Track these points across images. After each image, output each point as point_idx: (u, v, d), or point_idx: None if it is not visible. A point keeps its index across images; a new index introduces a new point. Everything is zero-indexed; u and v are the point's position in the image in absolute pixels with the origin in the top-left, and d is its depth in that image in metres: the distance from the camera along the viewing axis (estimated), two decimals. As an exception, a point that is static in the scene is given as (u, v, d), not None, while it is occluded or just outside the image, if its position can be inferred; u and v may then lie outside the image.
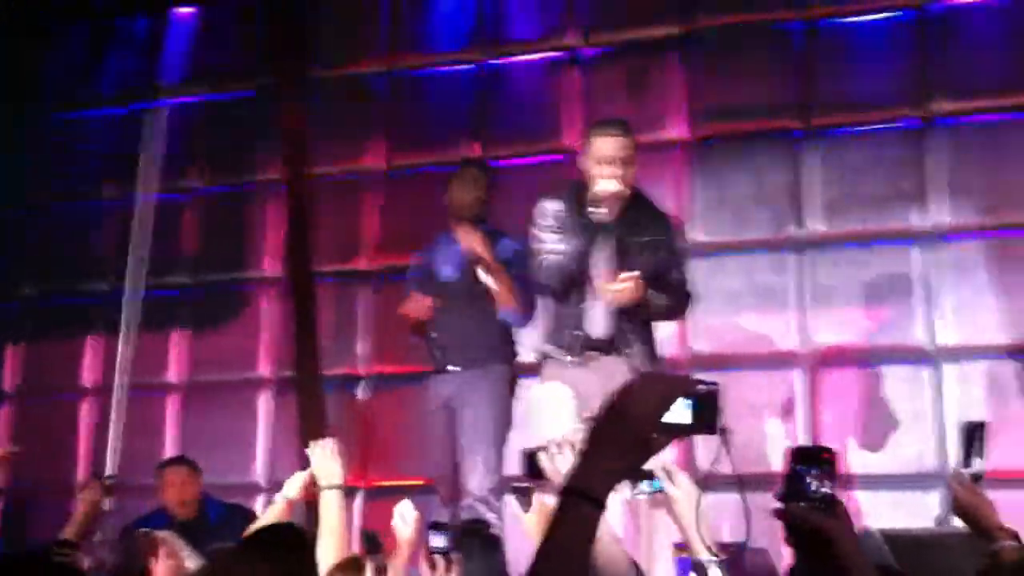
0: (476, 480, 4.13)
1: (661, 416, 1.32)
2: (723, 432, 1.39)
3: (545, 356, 4.00)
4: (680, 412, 1.34)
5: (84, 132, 6.47)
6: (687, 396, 1.35)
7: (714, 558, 2.19)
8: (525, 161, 5.68)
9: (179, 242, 6.15)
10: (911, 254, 5.05)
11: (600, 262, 3.88)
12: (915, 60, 5.20)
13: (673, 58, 5.55)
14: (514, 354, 4.44)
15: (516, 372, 4.43)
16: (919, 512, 4.61)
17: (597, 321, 3.91)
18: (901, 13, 5.27)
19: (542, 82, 5.79)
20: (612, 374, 3.73)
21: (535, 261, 3.93)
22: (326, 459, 3.30)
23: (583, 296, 3.92)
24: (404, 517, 3.50)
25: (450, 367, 4.32)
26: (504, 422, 4.24)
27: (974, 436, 2.41)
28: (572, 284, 3.89)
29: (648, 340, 3.98)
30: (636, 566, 2.36)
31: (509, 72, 5.85)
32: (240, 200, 6.16)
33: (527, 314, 4.31)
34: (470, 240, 4.25)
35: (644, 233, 3.92)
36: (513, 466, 4.08)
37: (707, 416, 1.36)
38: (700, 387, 1.37)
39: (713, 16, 5.49)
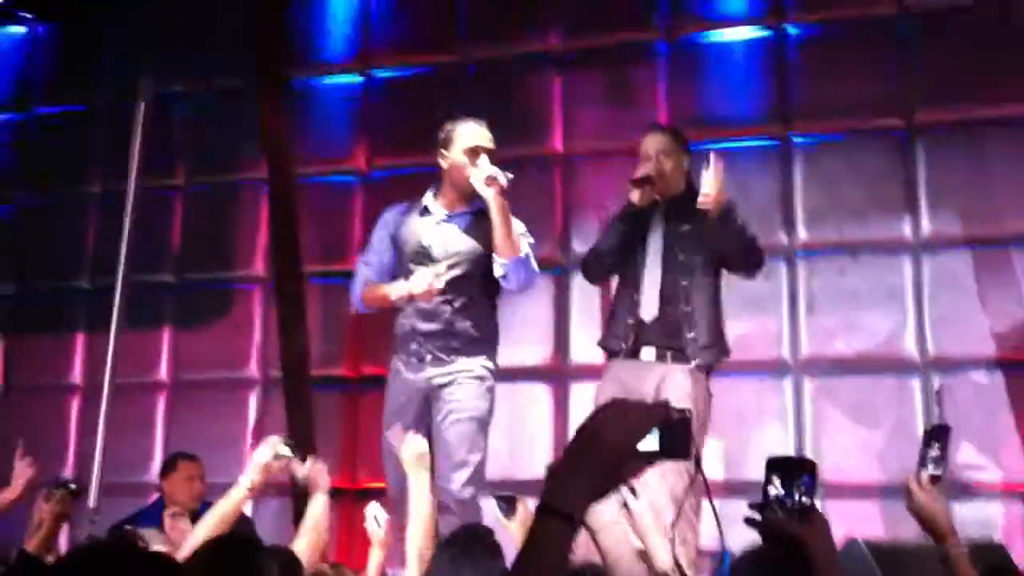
0: (456, 483, 3.88)
1: (634, 445, 1.34)
2: (696, 459, 1.41)
3: (604, 350, 4.14)
4: (652, 439, 1.36)
5: (68, 126, 6.48)
6: (659, 425, 1.37)
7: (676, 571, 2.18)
8: (505, 163, 5.68)
9: (169, 239, 6.16)
10: (901, 263, 5.06)
11: (650, 246, 4.04)
12: (897, 68, 5.21)
13: (654, 64, 5.56)
14: (496, 346, 4.16)
15: (496, 367, 4.16)
16: (907, 522, 4.61)
17: (644, 305, 3.99)
18: (881, 20, 5.29)
19: (521, 84, 5.79)
20: (664, 376, 3.88)
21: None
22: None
23: (635, 283, 4.03)
24: (377, 519, 3.51)
25: (428, 357, 4.02)
26: (485, 422, 4.02)
27: (935, 440, 2.42)
28: (608, 266, 4.12)
29: (713, 321, 4.02)
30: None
31: (489, 73, 5.85)
32: (231, 198, 6.16)
33: (525, 271, 4.01)
34: (485, 166, 3.90)
35: (688, 220, 4.00)
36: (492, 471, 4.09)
37: (679, 443, 1.39)
38: (672, 415, 1.39)
39: (694, 23, 5.52)
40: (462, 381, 4.01)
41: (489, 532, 2.99)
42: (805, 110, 5.30)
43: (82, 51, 6.51)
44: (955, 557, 2.26)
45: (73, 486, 3.79)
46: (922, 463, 2.36)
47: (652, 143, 4.10)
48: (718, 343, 4.02)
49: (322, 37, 6.13)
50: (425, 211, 4.19)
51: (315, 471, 3.37)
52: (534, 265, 4.08)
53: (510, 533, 3.13)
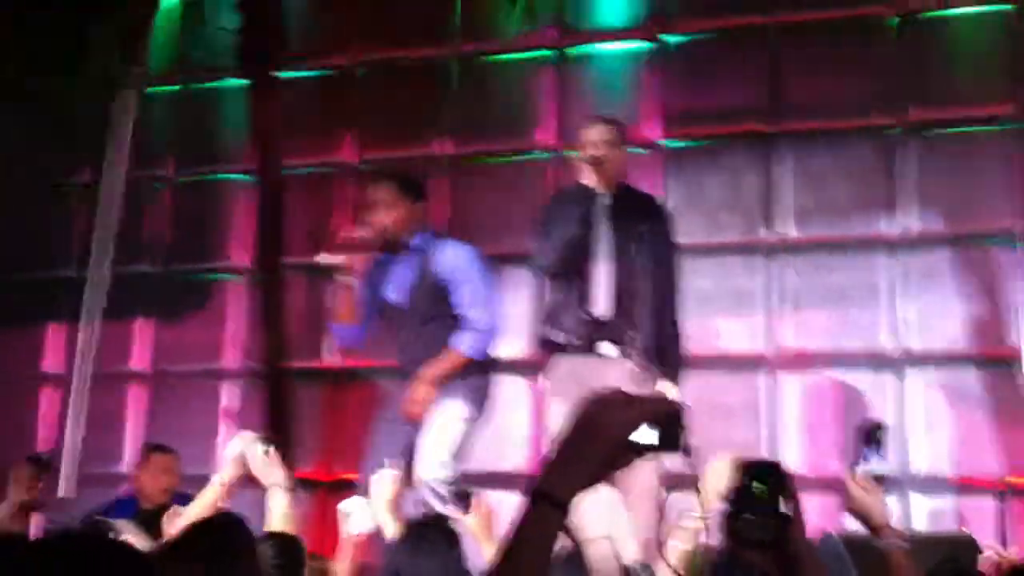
0: (428, 469, 3.79)
1: (626, 437, 1.35)
2: (688, 452, 1.40)
3: (546, 341, 3.98)
4: (646, 432, 1.37)
5: (58, 116, 6.42)
6: (653, 418, 1.37)
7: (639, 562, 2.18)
8: (498, 158, 5.69)
9: (148, 230, 6.12)
10: (878, 260, 5.10)
11: (601, 240, 3.92)
12: (887, 68, 5.25)
13: (647, 61, 5.58)
14: (483, 363, 4.10)
15: (487, 376, 4.12)
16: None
17: (600, 301, 3.90)
18: (874, 20, 5.33)
19: (519, 80, 5.80)
20: (616, 372, 3.77)
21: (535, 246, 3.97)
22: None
23: (585, 277, 3.92)
24: (351, 516, 3.49)
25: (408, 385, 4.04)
26: (462, 420, 3.95)
27: (871, 437, 2.44)
28: (572, 256, 3.89)
29: (654, 326, 3.92)
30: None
31: (485, 69, 5.85)
32: (211, 190, 6.13)
33: (486, 336, 4.05)
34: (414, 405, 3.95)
35: (641, 221, 3.96)
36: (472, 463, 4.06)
37: (672, 436, 1.39)
38: (666, 408, 1.39)
39: (687, 21, 5.55)
40: (437, 401, 3.99)
41: (447, 521, 2.99)
42: (794, 107, 5.34)
43: (71, 42, 6.45)
44: (893, 550, 2.28)
45: (42, 458, 3.80)
46: (859, 460, 2.37)
47: (595, 132, 4.05)
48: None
49: (317, 26, 6.09)
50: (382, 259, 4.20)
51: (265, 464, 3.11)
52: (484, 340, 4.03)
53: (467, 528, 3.13)
